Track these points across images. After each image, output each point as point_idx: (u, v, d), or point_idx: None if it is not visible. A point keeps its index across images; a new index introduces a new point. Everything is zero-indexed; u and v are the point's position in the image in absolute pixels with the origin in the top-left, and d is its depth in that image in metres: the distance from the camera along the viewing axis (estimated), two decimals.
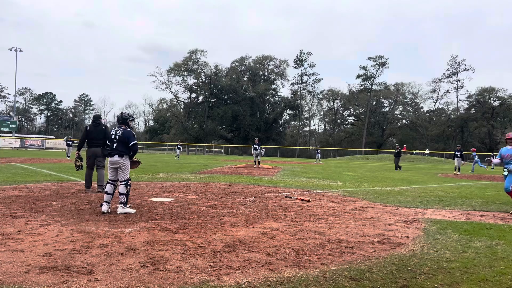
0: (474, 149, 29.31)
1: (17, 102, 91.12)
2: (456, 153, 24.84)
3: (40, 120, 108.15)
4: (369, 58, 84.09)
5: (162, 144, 74.19)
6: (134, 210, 6.41)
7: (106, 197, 6.38)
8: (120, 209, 6.27)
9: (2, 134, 61.98)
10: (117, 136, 6.44)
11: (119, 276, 3.37)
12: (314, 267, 3.80)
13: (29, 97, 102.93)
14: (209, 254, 4.12)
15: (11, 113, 78.37)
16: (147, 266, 3.64)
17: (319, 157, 43.76)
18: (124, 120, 6.70)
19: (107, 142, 6.63)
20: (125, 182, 6.40)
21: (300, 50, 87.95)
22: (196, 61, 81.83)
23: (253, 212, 6.96)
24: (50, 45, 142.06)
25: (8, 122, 64.27)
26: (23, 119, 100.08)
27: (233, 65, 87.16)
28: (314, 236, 5.15)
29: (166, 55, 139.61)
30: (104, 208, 6.26)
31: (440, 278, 3.58)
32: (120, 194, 6.35)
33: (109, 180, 6.52)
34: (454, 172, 23.88)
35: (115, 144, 6.42)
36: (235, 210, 7.07)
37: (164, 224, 5.60)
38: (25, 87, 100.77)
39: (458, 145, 28.59)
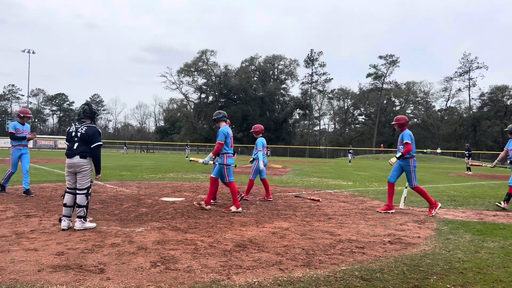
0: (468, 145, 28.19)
1: (30, 103, 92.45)
2: (465, 153, 24.64)
3: (52, 120, 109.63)
4: (380, 57, 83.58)
5: (172, 144, 74.57)
6: (94, 224, 5.30)
7: (65, 210, 5.20)
8: (79, 225, 5.10)
9: None
10: (78, 134, 5.23)
11: (130, 275, 3.39)
12: (324, 267, 3.79)
13: (42, 98, 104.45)
14: (220, 254, 4.13)
15: None
16: (158, 265, 3.66)
17: (351, 157, 40.53)
18: (92, 114, 5.46)
19: (66, 141, 5.42)
20: (85, 191, 5.22)
21: (311, 50, 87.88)
22: (206, 61, 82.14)
23: (263, 211, 6.96)
24: (53, 46, 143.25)
25: None
26: (36, 120, 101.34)
27: (243, 65, 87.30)
28: (324, 236, 5.13)
29: (172, 56, 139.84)
30: (64, 224, 5.10)
31: (452, 279, 3.54)
32: (79, 206, 5.17)
33: (68, 189, 5.30)
34: (466, 172, 23.61)
35: (76, 144, 5.23)
36: (245, 210, 7.08)
37: (175, 224, 5.63)
38: (38, 88, 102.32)
39: (467, 144, 28.20)
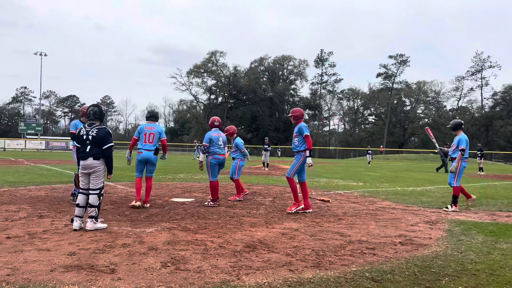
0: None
1: (43, 105, 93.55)
2: (477, 153, 24.29)
3: (64, 122, 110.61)
4: (390, 57, 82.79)
5: (182, 145, 74.92)
6: (105, 225, 5.35)
7: (77, 210, 5.25)
8: (90, 225, 5.15)
9: (28, 137, 63.82)
10: (90, 137, 5.31)
11: (141, 275, 3.42)
12: (334, 268, 3.78)
13: (54, 100, 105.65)
14: (229, 254, 4.14)
15: (37, 116, 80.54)
16: (168, 266, 3.69)
17: (370, 158, 38.51)
18: (102, 115, 5.51)
19: (77, 143, 5.49)
20: (97, 192, 5.29)
21: (321, 50, 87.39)
22: (215, 62, 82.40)
23: (272, 212, 6.96)
24: (63, 48, 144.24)
25: (34, 125, 66.13)
26: (48, 122, 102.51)
27: (252, 65, 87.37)
28: (334, 237, 5.11)
29: (180, 57, 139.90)
30: (76, 224, 5.15)
31: (464, 280, 3.49)
32: (91, 206, 5.24)
33: (81, 189, 5.36)
34: (478, 172, 23.28)
35: (88, 146, 5.30)
36: (255, 211, 7.09)
37: (185, 224, 5.66)
38: (49, 90, 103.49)
39: (479, 144, 27.80)
